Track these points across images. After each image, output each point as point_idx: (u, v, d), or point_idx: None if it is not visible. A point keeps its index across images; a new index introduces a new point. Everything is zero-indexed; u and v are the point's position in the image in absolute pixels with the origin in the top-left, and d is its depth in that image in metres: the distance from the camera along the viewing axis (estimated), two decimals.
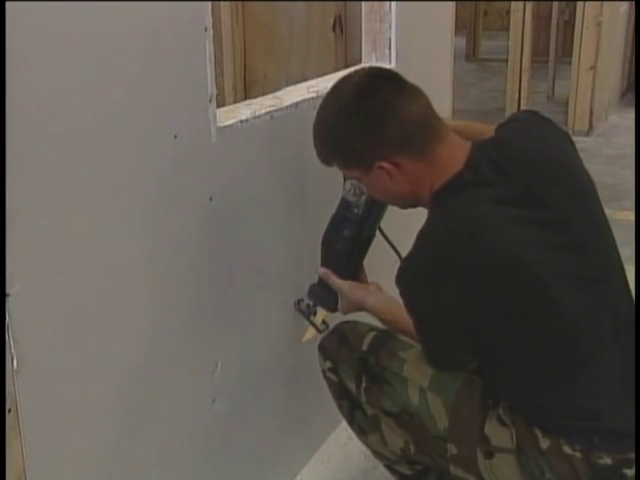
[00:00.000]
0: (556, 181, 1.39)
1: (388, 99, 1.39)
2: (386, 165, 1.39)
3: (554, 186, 1.39)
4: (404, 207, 1.53)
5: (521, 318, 1.34)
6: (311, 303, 1.75)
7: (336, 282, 1.65)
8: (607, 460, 1.33)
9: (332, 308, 1.71)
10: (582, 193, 1.43)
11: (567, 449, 1.35)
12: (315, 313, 1.74)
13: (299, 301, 1.80)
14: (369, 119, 1.38)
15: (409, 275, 1.39)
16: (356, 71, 1.48)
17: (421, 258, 1.38)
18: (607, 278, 1.42)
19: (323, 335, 1.71)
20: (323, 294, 1.70)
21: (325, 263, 1.68)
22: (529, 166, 1.39)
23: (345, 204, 1.63)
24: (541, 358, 1.37)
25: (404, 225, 1.60)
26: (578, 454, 1.34)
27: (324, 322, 1.73)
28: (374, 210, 1.62)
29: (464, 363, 1.46)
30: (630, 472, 1.34)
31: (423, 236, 1.37)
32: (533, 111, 1.60)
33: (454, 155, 1.39)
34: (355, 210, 1.61)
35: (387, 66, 2.21)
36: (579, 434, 1.35)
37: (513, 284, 1.32)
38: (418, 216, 1.43)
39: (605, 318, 1.39)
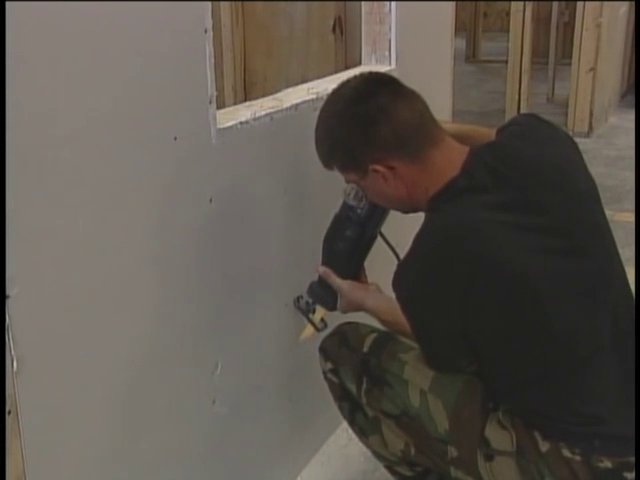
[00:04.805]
0: (553, 186, 1.39)
1: (382, 103, 1.39)
2: (380, 168, 1.40)
3: (551, 191, 1.38)
4: (404, 212, 1.53)
5: (516, 323, 1.34)
6: (310, 301, 1.75)
7: (336, 281, 1.65)
8: (607, 464, 1.33)
9: (331, 307, 1.71)
10: (581, 197, 1.42)
11: (567, 452, 1.34)
12: (314, 311, 1.74)
13: (298, 298, 1.79)
14: (362, 122, 1.39)
15: (404, 279, 1.40)
16: (355, 76, 1.49)
17: (415, 263, 1.38)
18: (606, 282, 1.41)
19: (321, 334, 1.71)
20: (323, 292, 1.70)
21: (326, 262, 1.68)
22: (526, 172, 1.39)
23: (347, 207, 1.63)
24: (538, 363, 1.36)
25: (404, 228, 1.60)
26: (578, 457, 1.34)
27: (323, 320, 1.73)
28: (377, 212, 1.62)
29: (462, 366, 1.46)
30: (630, 476, 1.33)
31: (418, 241, 1.38)
32: (534, 115, 1.59)
33: (450, 160, 1.39)
34: (358, 211, 1.61)
35: (387, 68, 2.21)
36: (579, 438, 1.35)
37: (506, 290, 1.31)
38: (419, 220, 1.43)
39: (604, 322, 1.38)
